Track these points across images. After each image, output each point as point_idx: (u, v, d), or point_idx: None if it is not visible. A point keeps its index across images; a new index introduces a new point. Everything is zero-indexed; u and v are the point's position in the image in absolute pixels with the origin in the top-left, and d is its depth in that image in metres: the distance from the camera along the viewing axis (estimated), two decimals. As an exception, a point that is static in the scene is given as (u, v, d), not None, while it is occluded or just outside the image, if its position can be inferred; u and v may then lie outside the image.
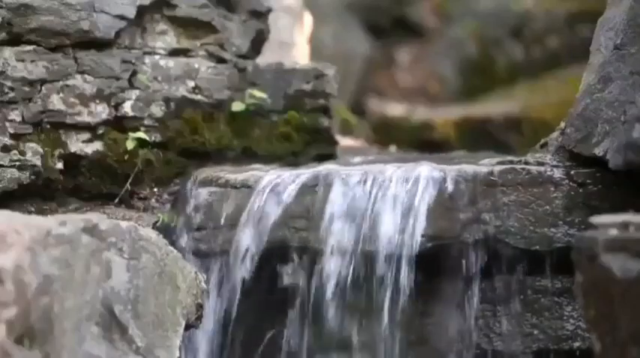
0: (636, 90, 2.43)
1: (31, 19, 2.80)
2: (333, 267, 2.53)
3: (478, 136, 5.46)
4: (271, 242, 2.58)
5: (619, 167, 2.36)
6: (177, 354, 2.18)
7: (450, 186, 2.52)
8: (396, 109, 6.22)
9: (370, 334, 2.52)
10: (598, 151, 2.47)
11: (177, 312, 2.20)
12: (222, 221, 2.66)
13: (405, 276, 2.48)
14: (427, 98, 6.57)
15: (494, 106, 5.87)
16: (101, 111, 2.88)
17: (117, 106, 2.90)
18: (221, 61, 3.05)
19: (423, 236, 2.49)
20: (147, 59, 2.96)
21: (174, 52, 3.01)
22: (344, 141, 3.61)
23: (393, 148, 4.26)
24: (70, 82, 2.85)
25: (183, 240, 2.70)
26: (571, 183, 2.52)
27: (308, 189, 2.60)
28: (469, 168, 2.55)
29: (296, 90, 3.11)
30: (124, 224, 2.13)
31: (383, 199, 2.53)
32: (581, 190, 2.51)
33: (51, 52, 2.83)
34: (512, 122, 5.53)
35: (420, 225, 2.49)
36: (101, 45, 2.89)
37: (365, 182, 2.56)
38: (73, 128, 2.86)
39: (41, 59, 2.82)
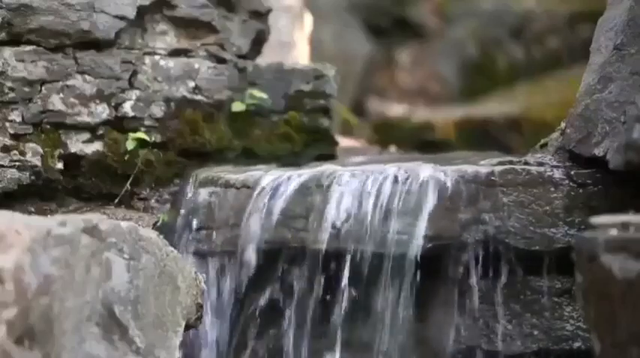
0: (636, 91, 2.43)
1: (31, 19, 2.80)
2: (333, 268, 2.53)
3: (478, 137, 5.47)
4: (271, 242, 2.58)
5: (619, 167, 2.36)
6: (177, 355, 2.18)
7: (450, 187, 2.52)
8: (396, 110, 6.23)
9: (370, 335, 2.52)
10: (598, 151, 2.47)
11: (177, 312, 2.20)
12: (223, 221, 2.66)
13: (405, 277, 2.48)
14: (427, 98, 6.58)
15: (494, 107, 5.88)
16: (101, 112, 2.88)
17: (117, 106, 2.90)
18: (221, 61, 3.05)
19: (423, 236, 2.48)
20: (147, 59, 2.96)
21: (174, 52, 3.01)
22: (344, 142, 3.61)
23: (393, 149, 4.26)
24: (70, 82, 2.85)
25: (184, 241, 2.70)
26: (571, 184, 2.52)
27: (308, 189, 2.60)
28: (469, 169, 2.55)
29: (296, 90, 3.11)
30: (124, 224, 2.13)
31: (383, 199, 2.53)
32: (581, 190, 2.51)
33: (51, 52, 2.83)
34: (513, 122, 5.54)
35: (420, 225, 2.49)
36: (101, 45, 2.89)
37: (365, 182, 2.56)
38: (73, 128, 2.86)
39: (41, 59, 2.82)
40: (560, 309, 2.50)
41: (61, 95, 2.84)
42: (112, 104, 2.90)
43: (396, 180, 2.55)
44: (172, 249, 2.25)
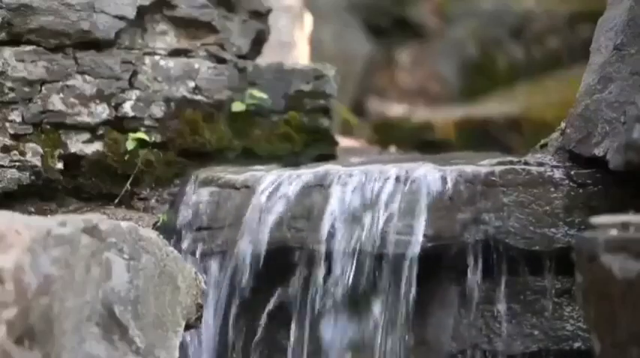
0: (636, 91, 2.43)
1: (31, 19, 2.80)
2: (333, 268, 2.53)
3: (478, 137, 5.47)
4: (272, 242, 2.58)
5: (619, 167, 2.36)
6: (177, 355, 2.18)
7: (450, 187, 2.52)
8: (396, 110, 6.23)
9: (370, 335, 2.52)
10: (598, 152, 2.47)
11: (177, 313, 2.20)
12: (223, 221, 2.66)
13: (405, 277, 2.48)
14: (427, 98, 6.58)
15: (494, 107, 5.88)
16: (101, 112, 2.88)
17: (117, 107, 2.90)
18: (221, 61, 3.05)
19: (423, 236, 2.48)
20: (147, 59, 2.96)
21: (174, 53, 3.01)
22: (344, 142, 3.61)
23: (393, 149, 4.26)
24: (70, 83, 2.85)
25: (184, 241, 2.70)
26: (571, 184, 2.52)
27: (308, 189, 2.60)
28: (469, 169, 2.55)
29: (296, 90, 3.11)
30: (124, 224, 2.13)
31: (383, 199, 2.52)
32: (581, 190, 2.51)
33: (51, 52, 2.83)
34: (513, 122, 5.54)
35: (420, 225, 2.49)
36: (101, 45, 2.89)
37: (365, 182, 2.56)
38: (73, 128, 2.86)
39: (41, 59, 2.82)
40: (560, 309, 2.50)
41: (61, 95, 2.84)
42: (112, 104, 2.90)
43: (396, 180, 2.55)
44: (172, 249, 2.25)
